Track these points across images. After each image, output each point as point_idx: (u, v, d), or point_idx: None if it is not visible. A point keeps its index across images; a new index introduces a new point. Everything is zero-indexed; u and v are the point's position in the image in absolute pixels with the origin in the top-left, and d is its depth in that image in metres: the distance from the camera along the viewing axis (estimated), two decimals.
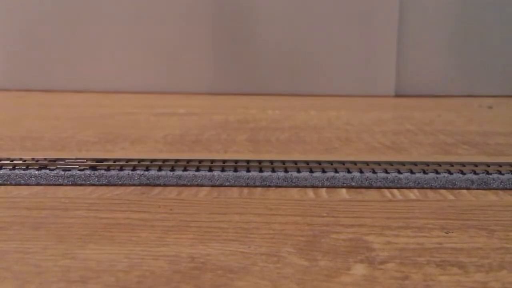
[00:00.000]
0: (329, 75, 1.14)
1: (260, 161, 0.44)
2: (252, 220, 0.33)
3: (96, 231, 0.31)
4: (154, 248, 0.29)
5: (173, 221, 0.33)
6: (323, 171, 0.42)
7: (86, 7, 1.13)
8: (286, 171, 0.42)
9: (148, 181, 0.41)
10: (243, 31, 1.13)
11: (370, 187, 0.41)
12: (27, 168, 0.42)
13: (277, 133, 0.65)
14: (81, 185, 0.41)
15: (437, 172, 0.42)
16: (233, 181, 0.41)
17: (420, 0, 1.13)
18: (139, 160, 0.44)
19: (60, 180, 0.41)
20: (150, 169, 0.42)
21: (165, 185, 0.41)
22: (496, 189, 0.41)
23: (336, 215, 0.35)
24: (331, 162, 0.44)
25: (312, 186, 0.41)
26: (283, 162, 0.44)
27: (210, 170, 0.42)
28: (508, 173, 0.42)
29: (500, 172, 0.42)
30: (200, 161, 0.44)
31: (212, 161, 0.44)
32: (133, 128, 0.68)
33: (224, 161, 0.44)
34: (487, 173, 0.42)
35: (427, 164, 0.44)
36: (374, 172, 0.42)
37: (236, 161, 0.44)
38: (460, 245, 0.30)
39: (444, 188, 0.41)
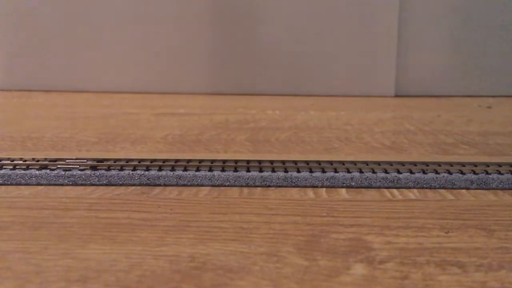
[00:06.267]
0: (329, 75, 1.14)
1: (260, 161, 0.44)
2: (252, 220, 0.33)
3: (96, 231, 0.31)
4: (154, 247, 0.29)
5: (173, 221, 0.33)
6: (323, 171, 0.42)
7: (86, 7, 1.13)
8: (286, 171, 0.42)
9: (149, 181, 0.41)
10: (243, 31, 1.13)
11: (369, 187, 0.41)
12: (27, 168, 0.42)
13: (277, 133, 0.65)
14: (81, 185, 0.41)
15: (436, 172, 0.42)
16: (233, 181, 0.41)
17: (420, 1, 1.13)
18: (140, 160, 0.44)
19: (60, 180, 0.41)
20: (150, 169, 0.42)
21: (165, 185, 0.41)
22: (496, 189, 0.41)
23: (336, 215, 0.35)
24: (330, 162, 0.44)
25: (312, 186, 0.41)
26: (283, 162, 0.44)
27: (210, 170, 0.42)
28: (508, 173, 0.42)
29: (499, 172, 0.42)
30: (200, 161, 0.44)
31: (212, 161, 0.44)
32: (133, 128, 0.68)
33: (224, 161, 0.44)
34: (487, 173, 0.42)
35: (427, 164, 0.44)
36: (373, 172, 0.42)
37: (236, 161, 0.44)
38: (459, 245, 0.30)
39: (444, 188, 0.41)
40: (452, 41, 1.14)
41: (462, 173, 0.42)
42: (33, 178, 0.41)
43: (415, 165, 0.43)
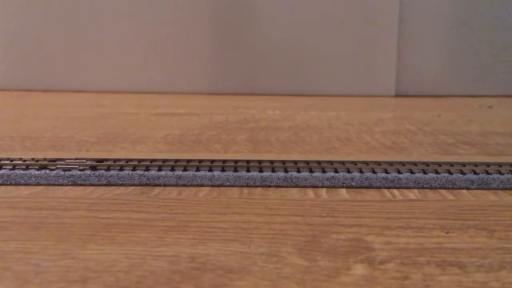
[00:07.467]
0: (329, 75, 1.14)
1: (260, 161, 0.44)
2: (252, 220, 0.33)
3: (96, 231, 0.31)
4: (154, 248, 0.29)
5: (173, 221, 0.33)
6: (323, 171, 0.42)
7: (86, 7, 1.13)
8: (286, 171, 0.42)
9: (148, 181, 0.41)
10: (243, 31, 1.13)
11: (370, 187, 0.41)
12: (27, 168, 0.42)
13: (277, 133, 0.65)
14: (81, 185, 0.41)
15: (437, 172, 0.42)
16: (233, 181, 0.41)
17: (420, 0, 1.13)
18: (139, 160, 0.44)
19: (60, 180, 0.41)
20: (150, 169, 0.42)
21: (165, 185, 0.41)
22: (496, 189, 0.41)
23: (336, 215, 0.35)
24: (331, 162, 0.44)
25: (312, 186, 0.41)
26: (283, 162, 0.44)
27: (210, 170, 0.42)
28: (508, 173, 0.42)
29: (500, 172, 0.42)
30: (200, 161, 0.44)
31: (212, 161, 0.44)
32: (133, 128, 0.68)
33: (224, 161, 0.44)
34: (487, 173, 0.42)
35: (427, 164, 0.44)
36: (374, 172, 0.42)
37: (236, 161, 0.44)
38: (460, 245, 0.30)
39: (444, 188, 0.41)
40: (452, 41, 1.14)
41: (462, 173, 0.42)
42: (33, 178, 0.41)
43: (416, 165, 0.43)
